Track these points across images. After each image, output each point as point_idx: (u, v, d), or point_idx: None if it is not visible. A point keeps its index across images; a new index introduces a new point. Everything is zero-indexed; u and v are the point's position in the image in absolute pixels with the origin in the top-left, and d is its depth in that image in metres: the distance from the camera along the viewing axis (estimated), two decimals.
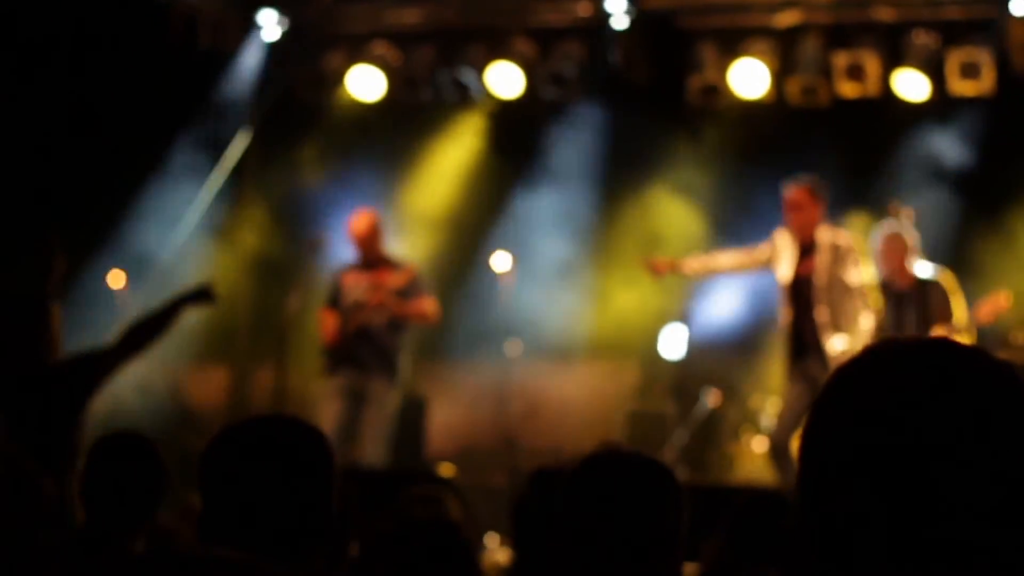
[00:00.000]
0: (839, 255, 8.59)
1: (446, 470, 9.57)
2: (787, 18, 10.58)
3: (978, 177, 10.61)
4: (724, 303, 11.05)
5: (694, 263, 9.54)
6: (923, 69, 10.19)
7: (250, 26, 11.48)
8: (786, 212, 8.77)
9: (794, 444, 7.98)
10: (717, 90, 10.64)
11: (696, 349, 10.75)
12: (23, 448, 3.42)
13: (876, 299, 8.73)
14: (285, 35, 11.53)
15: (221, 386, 12.10)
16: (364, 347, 9.52)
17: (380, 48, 11.18)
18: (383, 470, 9.02)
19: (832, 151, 10.52)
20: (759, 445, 10.04)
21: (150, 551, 3.80)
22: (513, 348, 10.52)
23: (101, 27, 10.54)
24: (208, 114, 11.52)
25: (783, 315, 8.80)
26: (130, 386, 10.30)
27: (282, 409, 10.05)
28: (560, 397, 11.43)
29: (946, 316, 8.66)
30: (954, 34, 10.21)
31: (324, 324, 9.74)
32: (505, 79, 10.87)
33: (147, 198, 11.36)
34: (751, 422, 10.30)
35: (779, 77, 10.53)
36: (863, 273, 8.68)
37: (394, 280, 9.58)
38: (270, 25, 11.48)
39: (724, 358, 10.96)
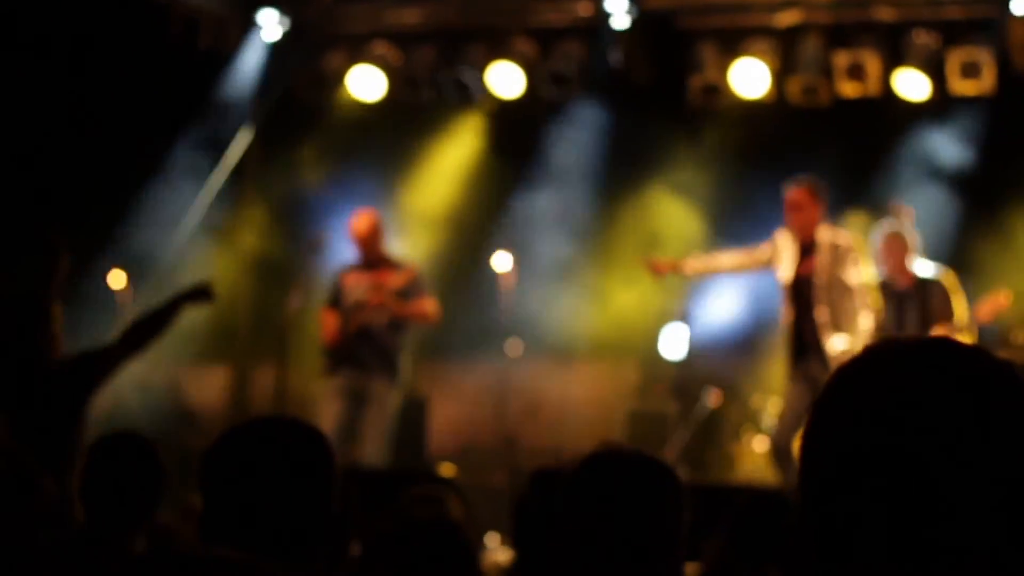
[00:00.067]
0: (839, 255, 8.59)
1: (447, 470, 9.57)
2: (787, 18, 10.58)
3: (978, 177, 10.61)
4: (725, 303, 11.05)
5: (695, 263, 9.54)
6: (924, 69, 10.19)
7: (250, 26, 11.48)
8: (786, 212, 8.77)
9: (795, 444, 7.97)
10: (718, 90, 10.64)
11: (697, 349, 10.74)
12: (24, 447, 3.42)
13: (876, 299, 8.73)
14: (285, 35, 11.53)
15: (221, 386, 12.10)
16: (365, 347, 9.52)
17: (380, 48, 11.18)
18: (384, 470, 9.02)
19: (832, 151, 10.52)
20: (760, 445, 10.04)
21: (151, 550, 3.81)
22: (514, 348, 10.52)
23: (101, 27, 10.54)
24: (208, 114, 11.52)
25: (784, 315, 8.81)
26: (130, 386, 10.30)
27: (282, 409, 10.06)
28: (561, 397, 11.43)
29: (947, 315, 8.66)
30: (955, 34, 10.21)
31: (325, 324, 9.73)
32: (505, 79, 10.87)
33: (147, 198, 11.36)
34: (752, 422, 10.30)
35: (780, 77, 10.53)
36: (863, 273, 8.68)
37: (395, 280, 9.58)
38: (270, 25, 11.48)
39: (725, 358, 10.96)
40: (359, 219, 9.78)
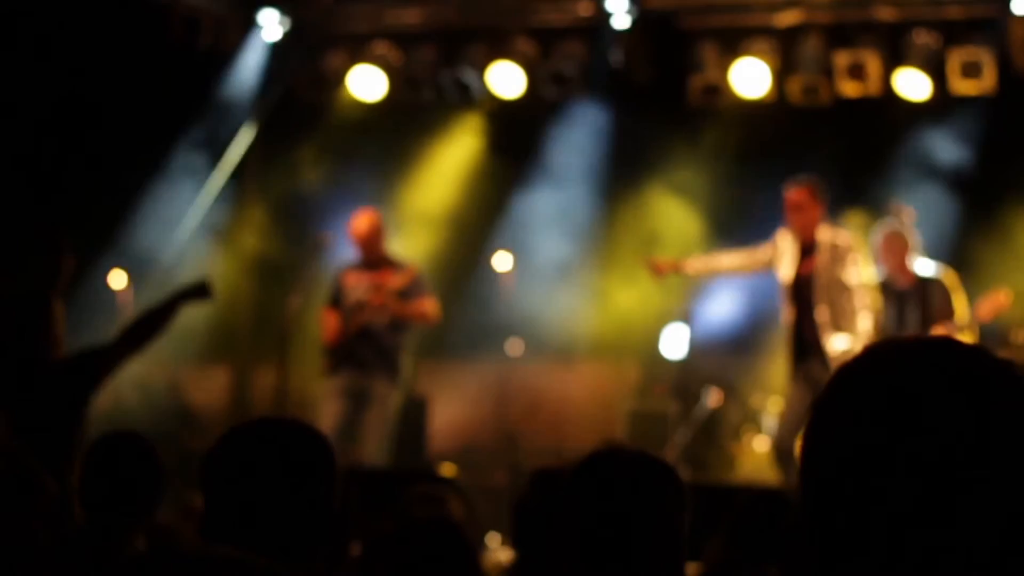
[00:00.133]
0: (838, 255, 8.59)
1: (447, 469, 9.57)
2: (788, 17, 10.58)
3: (979, 176, 10.61)
4: (725, 303, 11.05)
5: (696, 263, 9.54)
6: (924, 68, 10.19)
7: (251, 26, 11.48)
8: (787, 212, 8.78)
9: (798, 446, 7.97)
10: (718, 90, 10.64)
11: (697, 349, 10.74)
12: (25, 446, 3.42)
13: (875, 299, 8.73)
14: (286, 35, 11.53)
15: (222, 386, 12.10)
16: (365, 347, 9.52)
17: (381, 48, 11.18)
18: (384, 470, 9.02)
19: (833, 151, 10.52)
20: (760, 444, 10.05)
21: (153, 549, 3.81)
22: (514, 347, 10.52)
23: (101, 27, 10.53)
24: (209, 114, 11.53)
25: (785, 315, 8.81)
26: (130, 386, 10.31)
27: (283, 409, 10.06)
28: (561, 397, 11.43)
29: (948, 314, 8.67)
30: (955, 33, 10.21)
31: (325, 324, 9.74)
32: (506, 79, 10.87)
33: (148, 198, 11.36)
34: (752, 422, 10.30)
35: (780, 77, 10.53)
36: (863, 272, 8.68)
37: (395, 281, 9.58)
38: (271, 25, 11.48)
39: (725, 358, 10.96)
40: (360, 219, 9.79)
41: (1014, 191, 10.48)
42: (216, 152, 11.38)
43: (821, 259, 8.61)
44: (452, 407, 11.26)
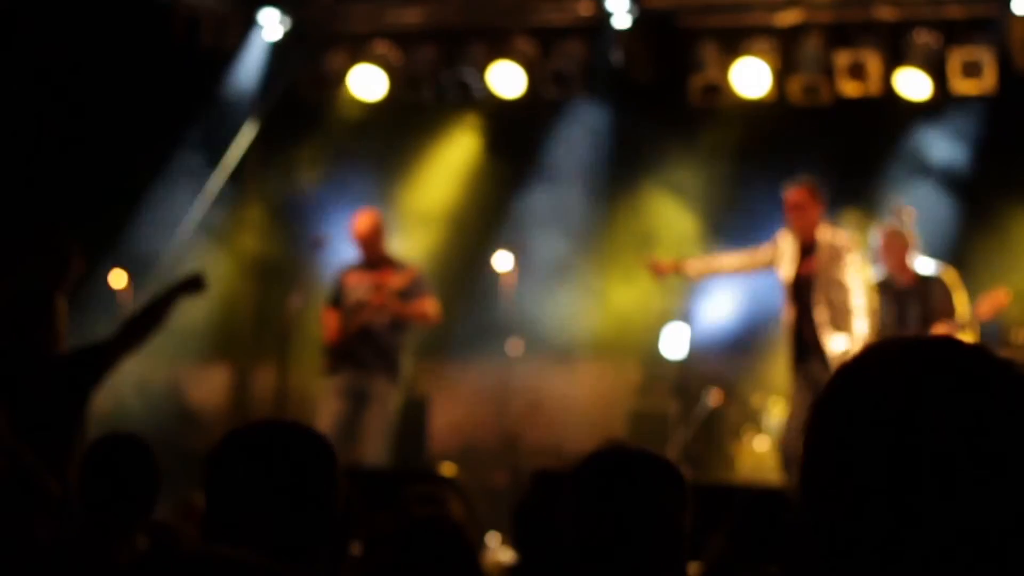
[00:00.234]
0: (835, 254, 8.60)
1: (448, 469, 9.57)
2: (788, 17, 10.58)
3: (979, 176, 10.61)
4: (725, 303, 11.05)
5: (696, 264, 9.55)
6: (925, 68, 10.19)
7: (251, 25, 11.48)
8: (787, 213, 8.78)
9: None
10: (718, 89, 10.64)
11: (697, 349, 10.74)
12: (26, 445, 3.43)
13: (874, 298, 8.73)
14: (287, 35, 11.53)
15: (222, 386, 12.10)
16: (366, 346, 9.52)
17: (382, 48, 11.18)
18: (385, 469, 9.02)
19: (833, 150, 10.52)
20: (760, 444, 10.05)
21: (155, 548, 3.81)
22: (514, 347, 10.52)
23: (102, 26, 10.53)
24: (209, 114, 11.52)
25: (785, 315, 8.82)
26: (131, 386, 10.31)
27: (283, 408, 10.07)
28: (561, 396, 11.43)
29: (948, 313, 8.66)
30: (955, 33, 10.21)
31: (326, 323, 9.74)
32: (506, 78, 10.87)
33: (149, 198, 11.36)
34: (752, 421, 10.30)
35: (781, 76, 10.53)
36: (862, 272, 8.68)
37: (396, 281, 9.59)
38: (272, 24, 11.48)
39: (725, 358, 10.96)
40: (361, 219, 9.79)
41: (1015, 191, 10.48)
42: (216, 152, 11.37)
43: (820, 259, 8.62)
44: (452, 407, 11.26)
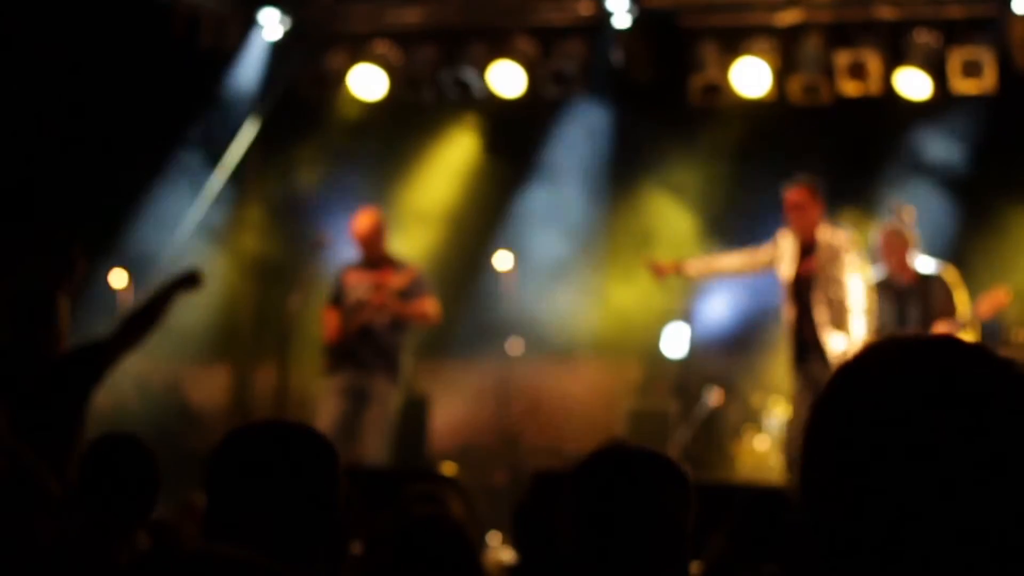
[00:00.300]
0: (834, 254, 8.60)
1: (448, 469, 9.58)
2: (788, 17, 10.58)
3: (980, 175, 10.61)
4: (726, 302, 11.05)
5: (697, 265, 9.55)
6: (925, 68, 10.19)
7: (252, 25, 11.48)
8: (787, 212, 8.78)
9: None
10: (719, 89, 10.64)
11: (698, 348, 10.74)
12: (26, 444, 3.42)
13: (871, 298, 8.73)
14: (287, 34, 11.53)
15: (222, 385, 12.11)
16: (366, 346, 9.52)
17: (382, 47, 11.18)
18: (385, 469, 9.02)
19: (833, 150, 10.52)
20: (761, 443, 10.05)
21: (156, 547, 3.81)
22: (515, 347, 10.52)
23: (102, 26, 10.53)
24: (210, 113, 11.52)
25: (786, 314, 8.82)
26: (131, 385, 10.32)
27: (283, 408, 10.07)
28: (562, 396, 11.43)
29: (949, 311, 8.66)
30: (956, 33, 10.21)
31: (326, 323, 9.74)
32: (507, 78, 10.87)
33: (149, 197, 11.36)
34: (753, 421, 10.30)
35: (781, 76, 10.53)
36: (861, 271, 8.68)
37: (396, 280, 9.59)
38: (272, 24, 11.48)
39: (726, 357, 10.96)
40: (362, 218, 9.79)
41: (1015, 191, 10.48)
42: (216, 151, 11.37)
43: (820, 259, 8.62)
44: (452, 406, 11.26)
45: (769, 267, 8.96)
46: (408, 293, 9.59)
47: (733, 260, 9.29)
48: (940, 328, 8.44)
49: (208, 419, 11.75)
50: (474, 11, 11.21)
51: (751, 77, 10.49)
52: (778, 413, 10.05)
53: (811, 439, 1.48)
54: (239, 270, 11.88)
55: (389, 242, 9.95)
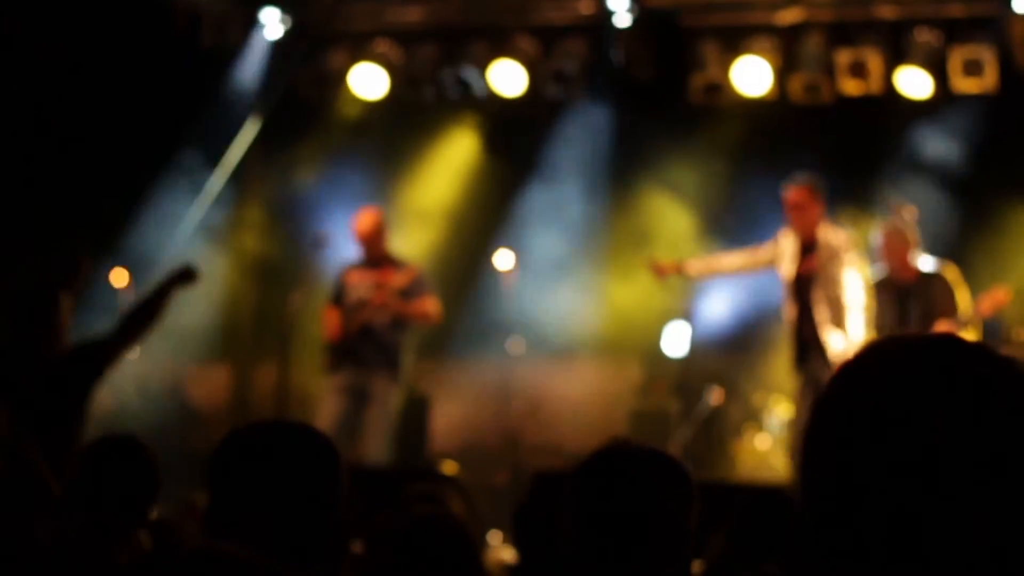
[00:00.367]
0: (834, 253, 8.61)
1: (449, 468, 9.57)
2: (789, 15, 10.58)
3: (980, 174, 10.60)
4: (726, 301, 11.05)
5: (698, 264, 9.56)
6: (926, 66, 10.18)
7: (252, 24, 11.48)
8: (787, 212, 8.79)
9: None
10: (719, 88, 10.64)
11: (699, 347, 10.74)
12: (26, 443, 3.42)
13: (871, 296, 8.73)
14: (288, 33, 11.53)
15: (223, 385, 12.10)
16: (367, 345, 9.52)
17: (382, 46, 11.18)
18: (385, 468, 9.02)
19: (834, 149, 10.52)
20: (761, 442, 10.05)
21: (158, 546, 3.81)
22: (516, 346, 10.52)
23: (103, 25, 10.53)
24: (210, 112, 11.52)
25: (787, 313, 8.82)
26: (133, 386, 10.32)
27: (284, 407, 10.07)
28: (563, 395, 11.43)
29: (950, 310, 8.66)
30: (957, 31, 10.21)
31: (327, 322, 9.74)
32: (507, 77, 10.87)
33: (150, 196, 11.36)
34: (753, 420, 10.30)
35: (782, 75, 10.53)
36: (861, 270, 8.68)
37: (397, 280, 9.59)
38: (273, 23, 11.48)
39: (727, 356, 10.96)
40: (363, 218, 9.79)
41: (1015, 190, 10.48)
42: (216, 150, 11.37)
43: (821, 258, 8.62)
44: (453, 406, 11.26)
45: (770, 266, 8.96)
46: (409, 292, 9.59)
47: (734, 259, 9.29)
48: (941, 327, 8.44)
49: (208, 419, 11.76)
50: (475, 10, 11.21)
51: (752, 76, 10.49)
52: (779, 412, 10.05)
53: (811, 439, 1.47)
54: (239, 270, 11.88)
55: (390, 241, 9.95)
